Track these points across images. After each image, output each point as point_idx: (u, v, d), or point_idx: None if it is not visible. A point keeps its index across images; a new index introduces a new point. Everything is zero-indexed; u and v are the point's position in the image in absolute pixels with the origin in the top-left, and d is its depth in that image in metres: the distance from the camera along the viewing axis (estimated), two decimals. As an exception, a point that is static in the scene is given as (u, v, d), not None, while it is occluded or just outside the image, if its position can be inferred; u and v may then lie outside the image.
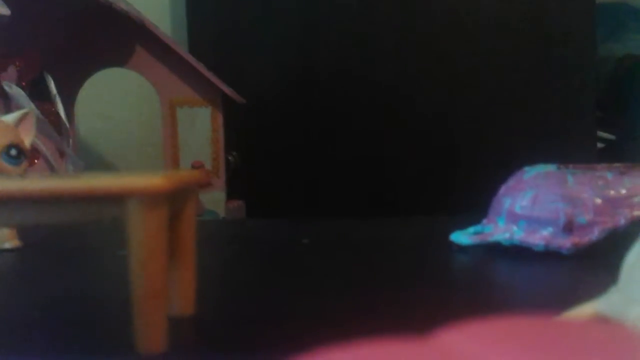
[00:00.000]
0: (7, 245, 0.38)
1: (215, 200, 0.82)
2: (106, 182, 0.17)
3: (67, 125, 0.70)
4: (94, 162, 1.00)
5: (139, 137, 1.03)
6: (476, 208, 0.38)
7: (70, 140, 0.70)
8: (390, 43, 0.92)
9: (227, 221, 0.77)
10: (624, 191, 0.30)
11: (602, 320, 0.14)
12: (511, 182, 0.34)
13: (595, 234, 0.30)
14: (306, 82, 0.93)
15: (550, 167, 0.33)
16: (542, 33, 0.92)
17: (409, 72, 0.92)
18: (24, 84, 0.67)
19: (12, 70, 0.67)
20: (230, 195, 0.84)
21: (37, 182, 0.17)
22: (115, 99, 1.03)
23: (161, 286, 0.18)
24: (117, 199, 0.17)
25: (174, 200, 0.19)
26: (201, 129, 0.82)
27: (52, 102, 0.69)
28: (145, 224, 0.17)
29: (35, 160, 0.64)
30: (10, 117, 0.37)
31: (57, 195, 0.17)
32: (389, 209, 0.85)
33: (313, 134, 0.91)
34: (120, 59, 0.80)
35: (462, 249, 0.34)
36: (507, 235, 0.32)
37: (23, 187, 0.17)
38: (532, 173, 0.33)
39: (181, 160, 0.82)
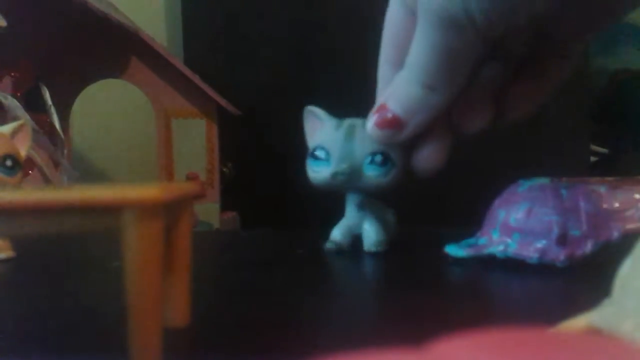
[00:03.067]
0: (1, 255, 0.38)
1: (209, 211, 0.82)
2: (101, 193, 0.17)
3: (62, 136, 0.70)
4: (88, 173, 0.99)
5: (133, 148, 1.03)
6: (471, 221, 0.38)
7: (65, 151, 0.70)
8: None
9: (221, 232, 0.77)
10: (617, 204, 0.30)
11: (595, 332, 0.14)
12: (505, 195, 0.35)
13: (588, 247, 0.30)
14: (301, 94, 0.94)
15: (544, 181, 0.34)
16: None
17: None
18: (19, 94, 0.67)
19: (7, 81, 0.67)
20: (225, 206, 0.84)
21: (31, 193, 0.17)
22: (110, 110, 1.03)
23: (156, 297, 0.17)
24: (112, 210, 0.17)
25: (169, 212, 0.19)
26: (196, 140, 0.82)
27: (47, 113, 0.69)
28: (140, 235, 0.17)
29: (30, 171, 0.64)
30: (6, 128, 0.37)
31: (51, 206, 0.17)
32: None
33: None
34: (115, 70, 0.80)
35: (457, 261, 0.34)
36: (501, 248, 0.33)
37: (18, 198, 0.17)
38: (526, 186, 0.34)
39: (175, 172, 0.82)
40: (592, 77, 1.01)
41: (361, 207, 0.38)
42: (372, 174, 0.35)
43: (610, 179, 0.32)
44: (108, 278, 0.32)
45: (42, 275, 0.34)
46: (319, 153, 0.36)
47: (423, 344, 0.10)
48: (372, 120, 0.34)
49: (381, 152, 0.35)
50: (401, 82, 0.32)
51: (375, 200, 0.39)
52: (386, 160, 0.35)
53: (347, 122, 0.36)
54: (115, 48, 0.78)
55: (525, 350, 0.09)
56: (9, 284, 0.33)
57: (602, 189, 0.31)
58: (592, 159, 1.05)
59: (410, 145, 0.35)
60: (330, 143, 0.36)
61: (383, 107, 0.33)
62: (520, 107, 0.36)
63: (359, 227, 0.38)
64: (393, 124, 0.33)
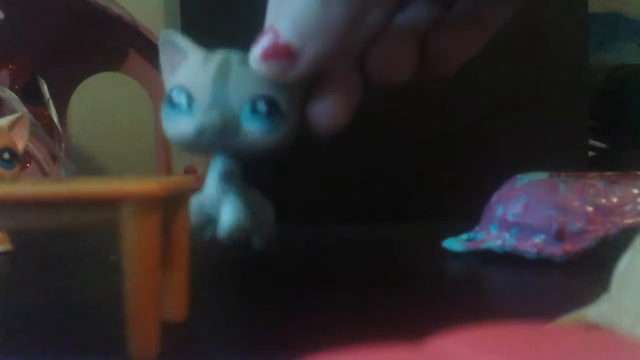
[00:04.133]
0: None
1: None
2: (99, 187, 0.17)
3: (60, 129, 0.69)
4: (86, 166, 0.99)
5: (131, 142, 1.03)
6: (469, 215, 0.38)
7: (63, 145, 0.70)
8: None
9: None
10: (615, 200, 0.30)
11: (593, 328, 0.14)
12: (504, 189, 0.35)
13: (586, 242, 0.30)
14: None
15: (542, 175, 0.34)
16: (534, 42, 0.93)
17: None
18: (16, 87, 0.67)
19: (4, 74, 0.67)
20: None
21: (29, 186, 0.17)
22: (108, 103, 1.02)
23: (154, 291, 0.17)
24: (110, 203, 0.17)
25: (167, 205, 0.19)
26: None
27: (44, 106, 0.69)
28: (138, 228, 0.17)
29: (28, 164, 0.64)
30: (4, 121, 0.37)
31: (49, 199, 0.17)
32: (382, 216, 0.85)
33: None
34: (113, 63, 0.80)
35: (455, 255, 0.34)
36: (499, 243, 0.33)
37: (15, 191, 0.17)
38: (525, 181, 0.34)
39: (174, 165, 0.82)
40: (591, 72, 1.01)
41: (227, 178, 0.27)
42: (253, 128, 0.25)
43: (608, 174, 0.32)
44: (106, 272, 0.32)
45: (40, 269, 0.34)
46: (178, 97, 0.25)
47: (420, 339, 0.10)
48: (256, 49, 0.25)
49: (266, 97, 0.25)
50: None
51: (251, 185, 0.29)
52: (274, 110, 0.25)
53: (219, 55, 0.26)
54: (113, 41, 0.78)
55: (522, 346, 0.09)
56: (7, 277, 0.33)
57: (601, 184, 0.31)
58: (591, 154, 1.05)
59: (306, 94, 0.26)
60: (194, 83, 0.25)
61: (271, 30, 0.24)
62: (448, 58, 0.29)
63: (216, 206, 0.27)
64: (283, 53, 0.24)
